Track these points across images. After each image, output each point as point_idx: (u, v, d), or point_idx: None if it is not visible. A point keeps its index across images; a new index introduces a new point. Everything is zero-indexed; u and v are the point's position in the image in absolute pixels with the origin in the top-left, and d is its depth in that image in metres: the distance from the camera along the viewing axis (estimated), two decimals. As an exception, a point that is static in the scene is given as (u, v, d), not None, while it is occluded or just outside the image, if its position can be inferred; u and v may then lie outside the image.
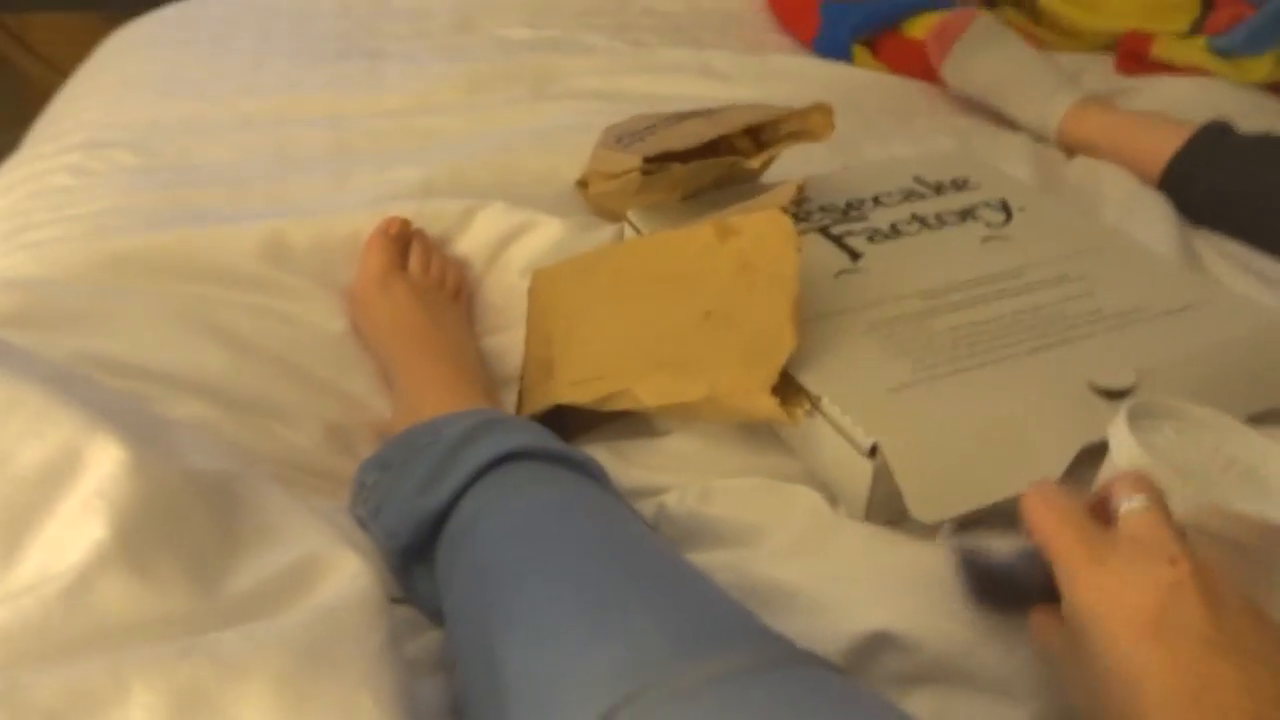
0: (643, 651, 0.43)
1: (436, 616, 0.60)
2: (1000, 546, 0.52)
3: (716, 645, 0.44)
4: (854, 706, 0.41)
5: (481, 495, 0.59)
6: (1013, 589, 0.53)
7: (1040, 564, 0.51)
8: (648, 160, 0.79)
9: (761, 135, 0.87)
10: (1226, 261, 0.93)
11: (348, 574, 0.51)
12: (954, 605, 0.54)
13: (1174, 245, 0.92)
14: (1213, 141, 1.00)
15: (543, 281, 0.76)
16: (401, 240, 0.81)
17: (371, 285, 0.78)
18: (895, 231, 0.82)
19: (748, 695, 0.40)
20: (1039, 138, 1.11)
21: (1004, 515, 0.56)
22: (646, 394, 0.66)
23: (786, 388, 0.64)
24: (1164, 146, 1.01)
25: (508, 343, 0.80)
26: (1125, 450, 0.55)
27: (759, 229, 0.66)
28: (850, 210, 0.85)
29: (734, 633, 0.46)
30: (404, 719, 0.44)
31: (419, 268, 0.81)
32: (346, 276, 0.80)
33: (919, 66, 1.19)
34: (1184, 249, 0.93)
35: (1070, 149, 1.09)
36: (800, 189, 0.72)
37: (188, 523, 0.49)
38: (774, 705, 0.40)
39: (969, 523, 0.55)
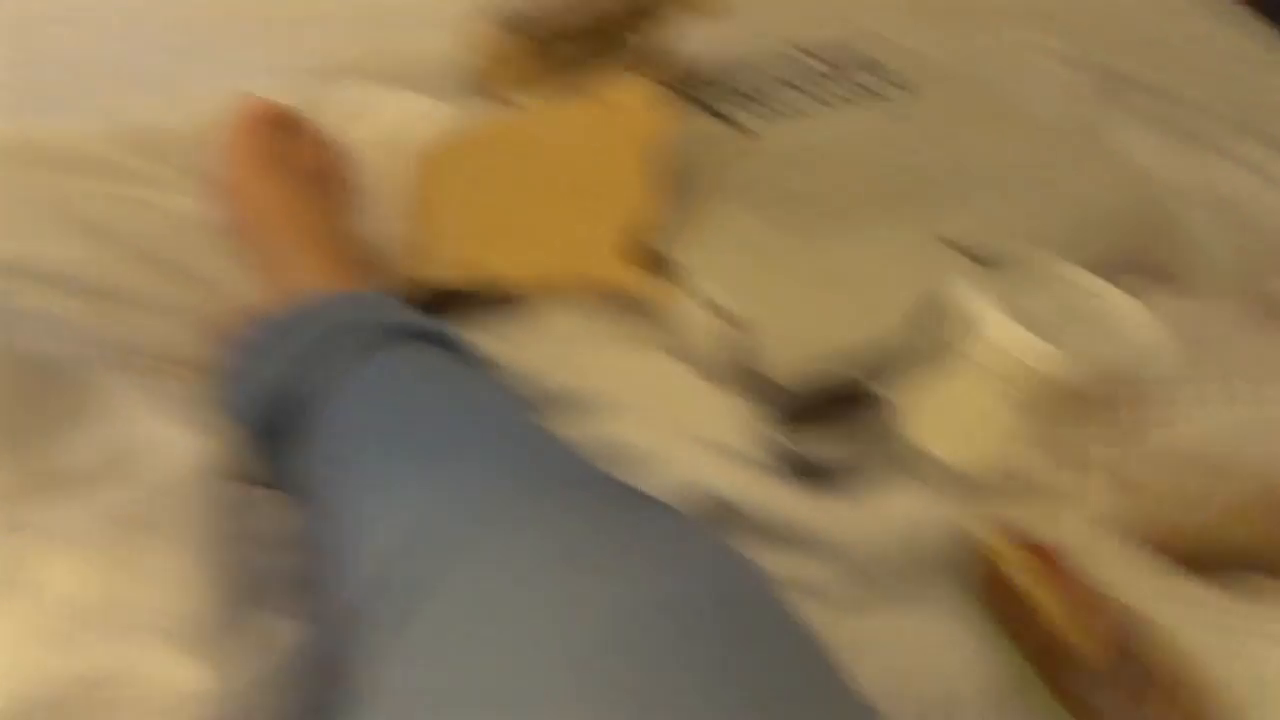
0: (477, 494, 0.43)
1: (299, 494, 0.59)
2: (814, 442, 0.53)
3: (547, 484, 0.43)
4: (686, 540, 0.41)
5: (344, 372, 0.59)
6: (827, 475, 0.54)
7: (854, 458, 0.52)
8: (533, 39, 0.76)
9: (653, 11, 0.84)
10: (1131, 119, 0.92)
11: (182, 451, 0.50)
12: (779, 474, 0.54)
13: (1065, 107, 0.92)
14: None
15: (419, 163, 0.74)
16: (269, 122, 0.78)
17: (243, 169, 0.76)
18: (782, 105, 0.80)
19: (573, 527, 0.40)
20: None
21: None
22: (514, 271, 0.64)
23: (654, 259, 0.63)
24: None
25: (387, 227, 0.78)
26: (969, 302, 0.55)
27: (629, 101, 0.65)
28: (741, 86, 0.83)
29: (569, 476, 0.46)
30: (233, 588, 0.44)
31: (290, 150, 0.78)
32: (211, 163, 0.77)
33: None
34: (1076, 110, 0.92)
35: None
36: (677, 62, 0.70)
37: (6, 401, 0.47)
38: (600, 536, 0.39)
39: (795, 406, 0.55)
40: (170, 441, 0.50)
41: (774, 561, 0.54)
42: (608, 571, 0.36)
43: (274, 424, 0.60)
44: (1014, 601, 0.49)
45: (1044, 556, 0.49)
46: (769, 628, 0.38)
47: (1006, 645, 0.49)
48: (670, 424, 0.58)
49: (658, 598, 0.36)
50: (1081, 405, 0.53)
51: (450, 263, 0.69)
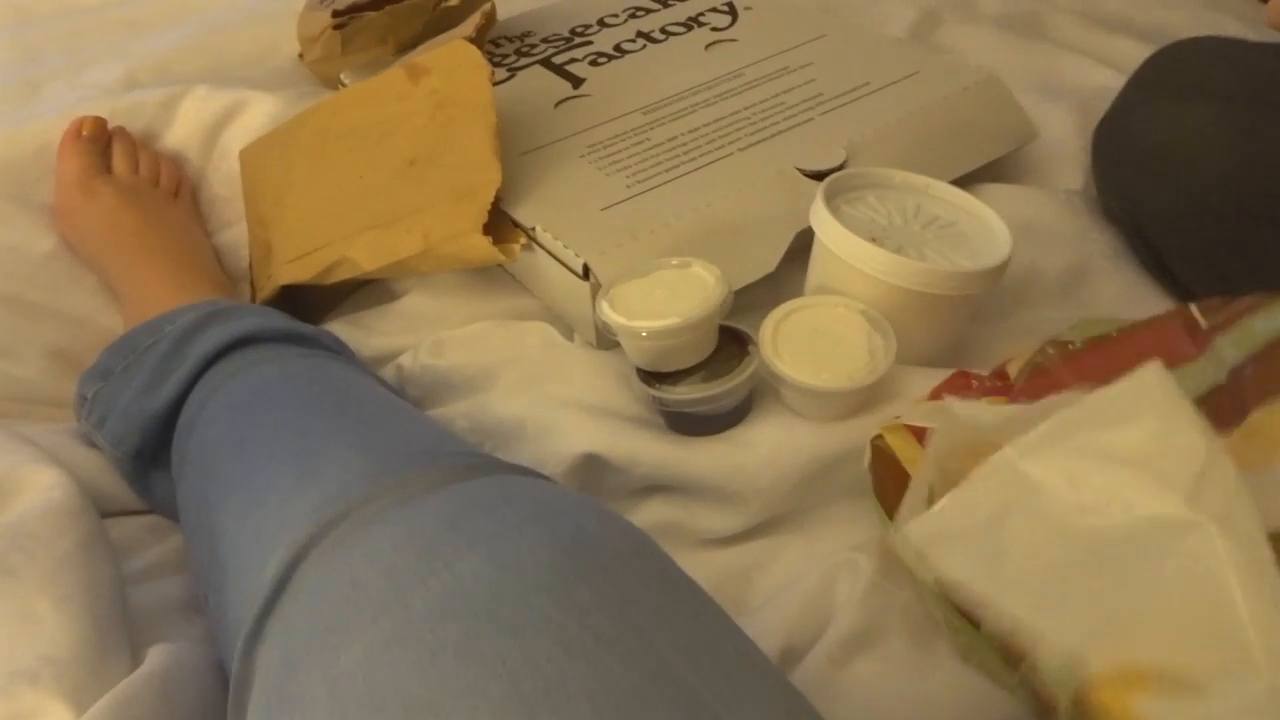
0: (339, 488, 0.43)
1: (178, 517, 0.58)
2: (685, 391, 0.53)
3: (408, 469, 0.43)
4: (540, 500, 0.41)
5: (207, 385, 0.57)
6: (702, 422, 0.54)
7: (724, 400, 0.52)
8: (337, 14, 0.74)
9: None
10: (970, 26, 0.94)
11: (40, 488, 0.48)
12: (655, 426, 0.54)
13: (909, 23, 0.93)
14: None
15: (248, 159, 0.72)
16: (98, 141, 0.75)
17: (72, 192, 0.73)
18: (620, 51, 0.80)
19: (433, 506, 0.39)
20: None
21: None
22: (363, 258, 0.63)
23: (502, 225, 0.62)
24: None
25: (243, 235, 0.76)
26: (822, 225, 0.56)
27: (448, 63, 0.63)
28: (575, 37, 0.82)
29: (429, 455, 0.45)
30: (97, 618, 0.43)
31: (125, 167, 0.75)
32: (47, 192, 0.75)
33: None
34: (919, 26, 0.93)
35: None
36: (487, 16, 0.69)
37: None
38: (456, 510, 0.39)
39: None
40: (28, 480, 0.48)
41: (657, 511, 0.55)
42: (460, 549, 0.36)
43: (139, 448, 0.59)
44: (903, 481, 0.49)
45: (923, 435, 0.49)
46: (640, 580, 0.38)
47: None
48: (541, 390, 0.57)
49: (516, 566, 0.35)
50: (936, 310, 0.54)
51: (289, 259, 0.67)
